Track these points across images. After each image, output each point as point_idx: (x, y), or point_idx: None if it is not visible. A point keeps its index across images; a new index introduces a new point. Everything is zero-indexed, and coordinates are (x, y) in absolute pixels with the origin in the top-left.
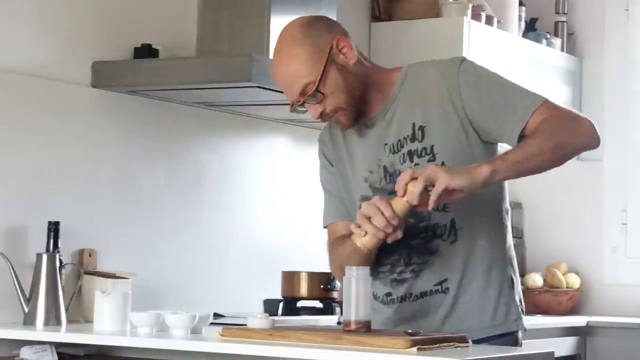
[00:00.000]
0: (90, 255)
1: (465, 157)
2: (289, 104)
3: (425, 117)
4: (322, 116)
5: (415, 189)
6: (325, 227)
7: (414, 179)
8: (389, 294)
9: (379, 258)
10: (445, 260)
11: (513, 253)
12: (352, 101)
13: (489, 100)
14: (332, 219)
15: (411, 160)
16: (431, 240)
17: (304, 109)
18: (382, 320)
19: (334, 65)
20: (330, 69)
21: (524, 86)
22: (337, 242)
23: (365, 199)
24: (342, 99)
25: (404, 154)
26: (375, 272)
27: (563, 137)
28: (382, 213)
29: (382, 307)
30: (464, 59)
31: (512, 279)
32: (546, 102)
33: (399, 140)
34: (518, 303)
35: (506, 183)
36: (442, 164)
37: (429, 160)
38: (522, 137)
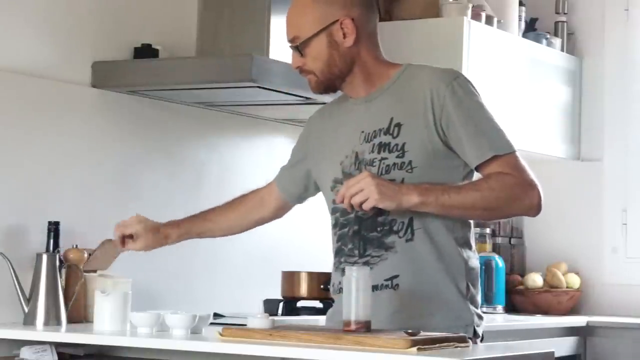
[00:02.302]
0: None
1: (431, 162)
2: (288, 103)
3: (405, 116)
4: (299, 71)
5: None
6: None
7: (352, 194)
8: (341, 283)
9: (339, 246)
10: (399, 257)
11: (474, 269)
12: (327, 74)
13: (462, 124)
14: (278, 181)
15: (379, 152)
16: (387, 236)
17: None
18: (331, 313)
19: (327, 38)
20: (322, 38)
21: (502, 129)
22: (255, 197)
23: (337, 181)
24: (318, 67)
25: (374, 145)
26: (336, 264)
27: (504, 203)
28: None
29: (337, 296)
30: (458, 75)
31: (467, 289)
32: (511, 155)
33: (374, 131)
34: (472, 312)
35: None
36: (410, 162)
37: (397, 156)
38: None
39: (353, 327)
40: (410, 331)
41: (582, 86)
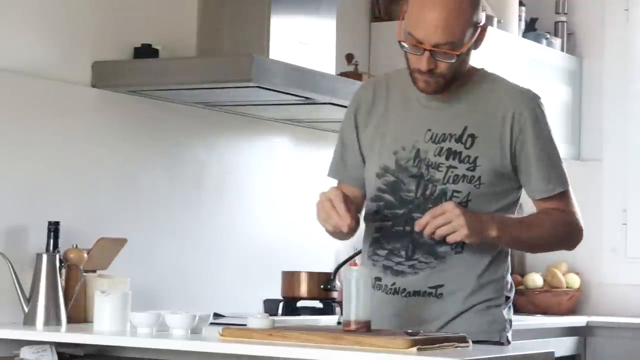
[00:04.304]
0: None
1: (496, 181)
2: (288, 103)
3: (480, 128)
4: (426, 72)
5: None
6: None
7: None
8: (378, 279)
9: (378, 237)
10: (447, 267)
11: (510, 281)
12: (454, 78)
13: (536, 154)
14: (335, 175)
15: (447, 159)
16: (440, 244)
17: (410, 52)
18: None
19: (470, 46)
20: (470, 46)
21: (562, 161)
22: None
23: (387, 170)
24: (451, 70)
25: (442, 148)
26: (369, 253)
27: (559, 241)
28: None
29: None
30: (539, 99)
31: (506, 300)
32: (568, 191)
33: (444, 134)
34: (505, 318)
35: (516, 212)
36: (479, 178)
37: (467, 169)
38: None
39: (353, 327)
40: (410, 331)
41: (582, 86)
